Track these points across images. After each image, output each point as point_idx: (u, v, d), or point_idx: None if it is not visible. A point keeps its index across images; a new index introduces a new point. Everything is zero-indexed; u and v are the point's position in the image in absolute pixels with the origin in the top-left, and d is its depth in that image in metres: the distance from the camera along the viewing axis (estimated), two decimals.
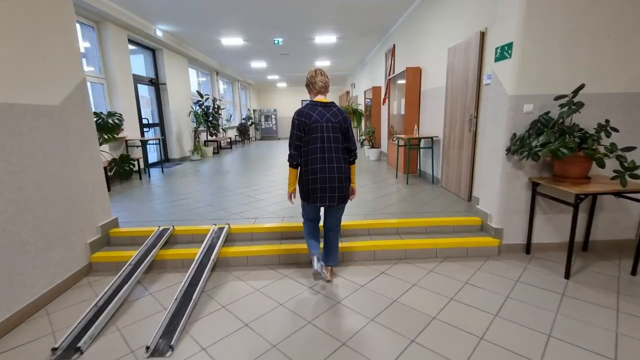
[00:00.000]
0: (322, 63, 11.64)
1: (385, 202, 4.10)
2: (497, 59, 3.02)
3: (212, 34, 7.46)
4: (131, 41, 6.78)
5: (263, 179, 5.84)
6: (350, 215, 3.56)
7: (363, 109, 10.66)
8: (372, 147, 8.01)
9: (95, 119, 3.32)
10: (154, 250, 2.91)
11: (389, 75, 7.76)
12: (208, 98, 9.30)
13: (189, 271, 2.62)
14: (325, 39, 8.11)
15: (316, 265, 2.45)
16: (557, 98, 2.71)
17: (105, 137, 3.67)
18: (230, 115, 13.65)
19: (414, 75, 5.73)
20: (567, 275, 2.66)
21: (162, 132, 8.05)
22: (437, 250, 3.07)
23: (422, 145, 5.63)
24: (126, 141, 6.09)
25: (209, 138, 9.86)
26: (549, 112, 2.81)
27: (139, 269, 2.67)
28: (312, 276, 2.75)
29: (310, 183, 2.31)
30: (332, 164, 2.28)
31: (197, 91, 9.06)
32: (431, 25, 5.13)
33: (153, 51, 7.67)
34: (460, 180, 4.26)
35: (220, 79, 12.78)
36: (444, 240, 3.11)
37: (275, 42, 8.07)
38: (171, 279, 2.78)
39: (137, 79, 6.99)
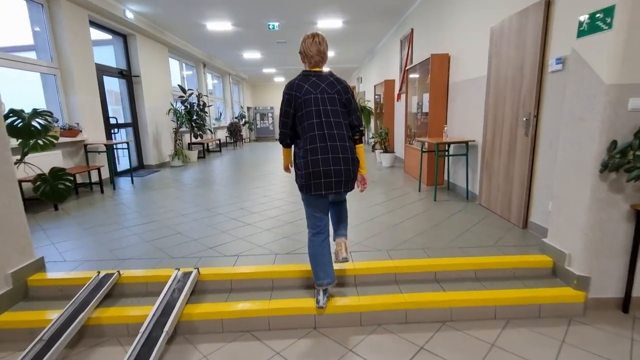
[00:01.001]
0: None
1: (411, 228, 3.33)
2: (582, 33, 2.26)
3: (195, 16, 6.74)
4: (95, 24, 6.05)
5: (254, 192, 5.08)
6: (369, 251, 2.80)
7: (373, 107, 9.93)
8: (385, 151, 7.25)
9: (12, 120, 2.57)
10: (87, 309, 2.15)
11: (406, 65, 7.01)
12: (192, 93, 8.58)
13: (131, 350, 1.85)
14: (329, 23, 7.38)
15: (322, 300, 2.15)
16: None
17: (41, 143, 2.92)
18: (220, 114, 12.94)
19: (441, 64, 4.98)
20: None
21: (136, 134, 7.31)
22: (496, 309, 2.29)
23: (451, 151, 4.86)
24: (85, 146, 5.35)
25: (194, 140, 9.12)
26: None
27: (57, 344, 1.91)
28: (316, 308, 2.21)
29: (311, 165, 1.99)
30: (335, 141, 1.99)
31: (179, 85, 8.33)
32: (463, 0, 4.38)
33: (124, 37, 6.95)
34: (510, 199, 3.48)
35: (209, 72, 12.08)
36: (505, 293, 2.34)
37: (270, 26, 7.35)
38: (107, 358, 2.01)
39: (103, 70, 6.26)
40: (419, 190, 4.93)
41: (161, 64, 8.01)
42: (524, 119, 3.19)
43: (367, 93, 12.31)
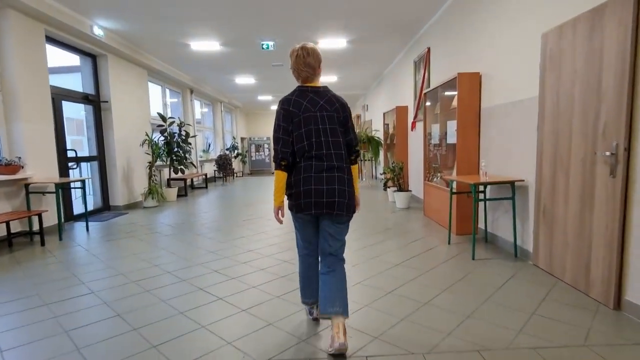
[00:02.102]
0: (327, 79, 10.51)
1: (452, 308, 2.49)
2: None
3: (176, 35, 6.26)
4: (56, 42, 5.54)
5: (237, 244, 4.27)
6: (394, 356, 1.94)
7: (382, 137, 9.34)
8: (400, 189, 6.50)
9: None
10: None
11: (422, 89, 6.44)
12: (173, 122, 7.99)
13: None
14: (332, 42, 6.91)
15: (315, 312, 2.30)
16: None
17: None
18: (209, 145, 12.37)
19: (470, 84, 4.35)
20: None
21: (102, 169, 6.61)
22: None
23: (489, 193, 4.10)
24: (26, 185, 4.61)
25: (173, 175, 8.43)
26: None
27: None
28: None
29: (302, 184, 1.99)
30: (332, 161, 2.01)
31: (159, 113, 7.76)
32: (499, 5, 3.81)
33: (94, 58, 6.44)
34: (587, 263, 2.67)
35: (197, 99, 11.65)
36: None
37: (264, 46, 6.87)
38: None
39: (62, 94, 5.67)
40: (449, 243, 4.12)
41: (138, 89, 7.47)
42: (607, 152, 2.44)
43: (374, 122, 11.81)
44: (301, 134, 2.01)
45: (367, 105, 13.65)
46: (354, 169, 2.17)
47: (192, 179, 10.48)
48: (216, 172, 12.30)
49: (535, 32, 3.25)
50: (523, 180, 3.49)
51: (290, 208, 2.07)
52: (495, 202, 4.08)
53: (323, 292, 2.01)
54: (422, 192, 6.55)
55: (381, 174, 6.91)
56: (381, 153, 9.93)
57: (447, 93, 5.06)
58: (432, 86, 5.47)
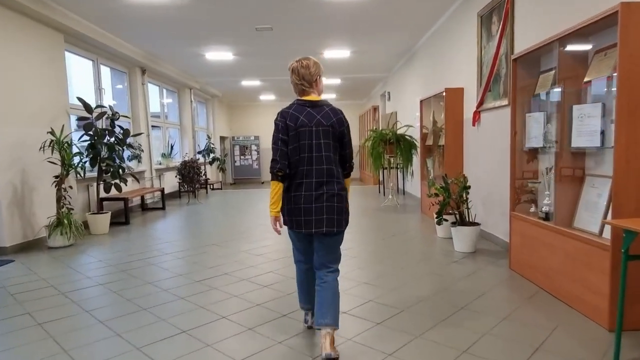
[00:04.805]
0: (337, 53, 8.69)
1: None
2: None
3: None
4: None
5: (174, 346, 2.38)
6: None
7: (418, 137, 7.52)
8: (461, 222, 4.61)
9: None
10: None
11: (495, 57, 4.61)
12: (105, 113, 6.14)
13: None
14: None
15: (310, 320, 2.64)
16: None
17: None
18: (172, 147, 10.54)
19: None
20: None
21: None
22: None
23: None
24: None
25: (105, 194, 6.57)
26: None
27: None
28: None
29: (295, 201, 2.35)
30: (322, 177, 2.34)
31: (79, 98, 5.94)
32: None
33: None
34: None
35: (154, 83, 9.85)
36: None
37: None
38: None
39: None
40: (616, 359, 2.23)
41: (46, 61, 5.67)
42: None
43: (400, 115, 10.00)
44: (296, 148, 2.33)
45: (388, 93, 11.86)
46: (347, 182, 2.53)
47: (142, 197, 8.62)
48: (181, 184, 10.44)
49: None
50: None
51: (284, 222, 2.44)
52: None
53: (317, 305, 2.37)
54: (501, 229, 4.67)
55: (431, 195, 4.98)
56: (415, 159, 8.08)
57: (569, 56, 3.21)
58: (520, 49, 3.61)
